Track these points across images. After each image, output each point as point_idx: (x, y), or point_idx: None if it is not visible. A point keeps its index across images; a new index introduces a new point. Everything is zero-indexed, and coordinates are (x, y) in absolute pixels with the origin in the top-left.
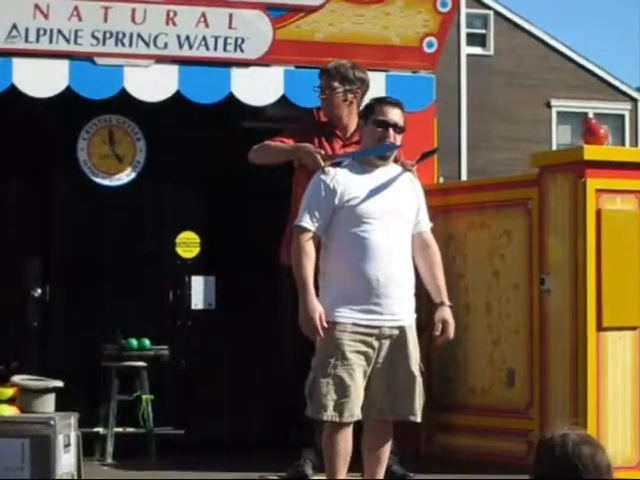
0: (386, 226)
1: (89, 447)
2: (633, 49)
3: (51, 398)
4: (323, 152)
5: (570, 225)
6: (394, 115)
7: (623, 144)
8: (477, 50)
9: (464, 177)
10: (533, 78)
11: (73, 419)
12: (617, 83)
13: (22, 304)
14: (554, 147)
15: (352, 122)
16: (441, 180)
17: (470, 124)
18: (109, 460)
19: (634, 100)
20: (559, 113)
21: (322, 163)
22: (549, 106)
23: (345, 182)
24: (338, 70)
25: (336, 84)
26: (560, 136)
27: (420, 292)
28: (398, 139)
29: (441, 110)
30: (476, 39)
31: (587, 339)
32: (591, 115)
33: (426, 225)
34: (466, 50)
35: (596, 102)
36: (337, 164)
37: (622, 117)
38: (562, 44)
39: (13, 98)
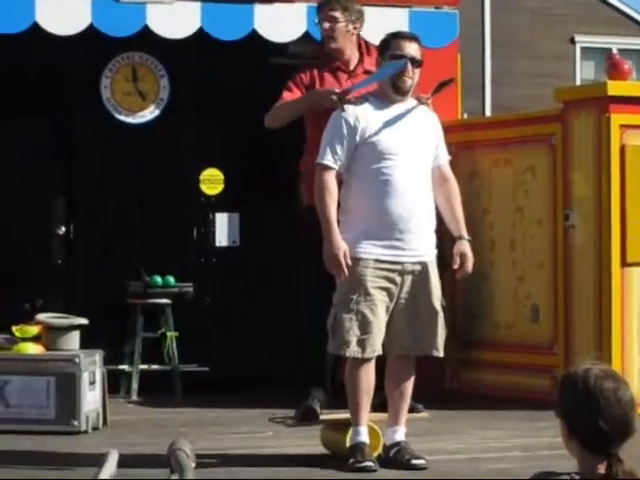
0: (407, 161)
1: (114, 384)
2: None
3: (76, 336)
4: (337, 90)
5: (594, 161)
6: (411, 49)
7: None
8: None
9: (488, 113)
10: (557, 14)
11: (98, 356)
12: None
13: (47, 242)
14: (578, 83)
15: (354, 54)
16: (465, 116)
17: (494, 60)
18: (134, 397)
19: None
20: (583, 49)
21: (339, 101)
22: (573, 42)
23: (365, 119)
24: (338, 1)
25: (337, 14)
26: (584, 71)
27: (443, 227)
28: (416, 73)
29: (464, 46)
30: None
31: (611, 275)
32: (615, 51)
33: (444, 158)
34: None
35: (620, 37)
36: (356, 101)
37: None
38: None
39: (37, 36)
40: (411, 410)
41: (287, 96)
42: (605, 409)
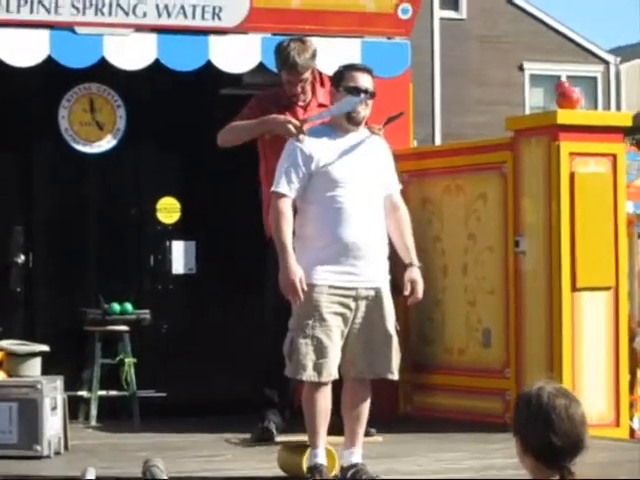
0: (359, 190)
1: (73, 410)
2: (605, 12)
3: (37, 362)
4: (294, 120)
5: (544, 188)
6: (364, 80)
7: (596, 106)
8: (450, 14)
9: (438, 140)
10: (506, 41)
11: (59, 382)
12: (589, 46)
13: (5, 271)
14: (527, 110)
15: (309, 91)
16: (415, 143)
17: (444, 87)
18: (93, 423)
19: (606, 62)
20: (532, 76)
21: (294, 130)
22: (522, 69)
23: (319, 148)
24: (306, 65)
25: (306, 76)
26: (533, 99)
27: (396, 254)
28: (369, 105)
29: (415, 74)
30: (449, 2)
31: (562, 299)
32: (564, 78)
33: (396, 187)
34: (439, 14)
35: (569, 65)
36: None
37: (595, 79)
38: (534, 7)
39: None
40: (364, 434)
41: (242, 117)
42: (558, 425)
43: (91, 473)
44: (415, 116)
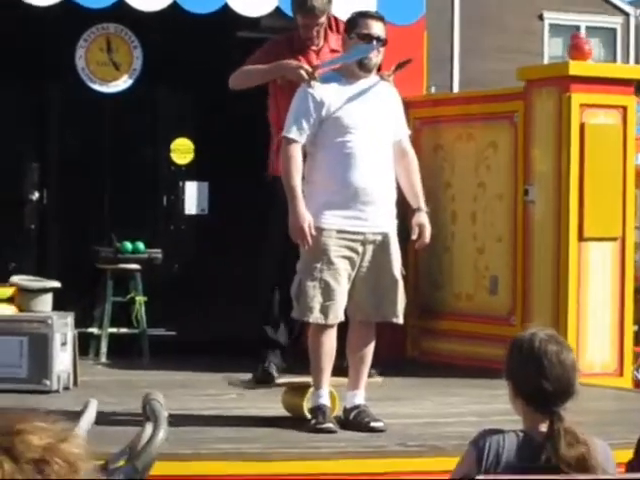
0: (369, 136)
1: (84, 347)
2: None
3: (48, 298)
4: (306, 66)
5: (554, 138)
6: (377, 28)
7: (615, 58)
8: None
9: (456, 87)
10: None
11: (70, 319)
12: None
13: (20, 207)
14: (546, 59)
15: (322, 35)
16: (433, 90)
17: (462, 34)
18: (103, 359)
19: (626, 14)
20: (551, 25)
21: (306, 76)
22: (541, 18)
23: (330, 94)
24: (323, 9)
25: (322, 20)
26: (552, 48)
27: (405, 200)
28: (381, 52)
29: (433, 20)
30: None
31: (569, 249)
32: (583, 28)
33: (404, 133)
34: None
35: (588, 15)
36: (322, 78)
37: (614, 31)
38: None
39: (13, 7)
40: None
41: (255, 61)
42: (548, 370)
43: (93, 406)
44: (433, 62)
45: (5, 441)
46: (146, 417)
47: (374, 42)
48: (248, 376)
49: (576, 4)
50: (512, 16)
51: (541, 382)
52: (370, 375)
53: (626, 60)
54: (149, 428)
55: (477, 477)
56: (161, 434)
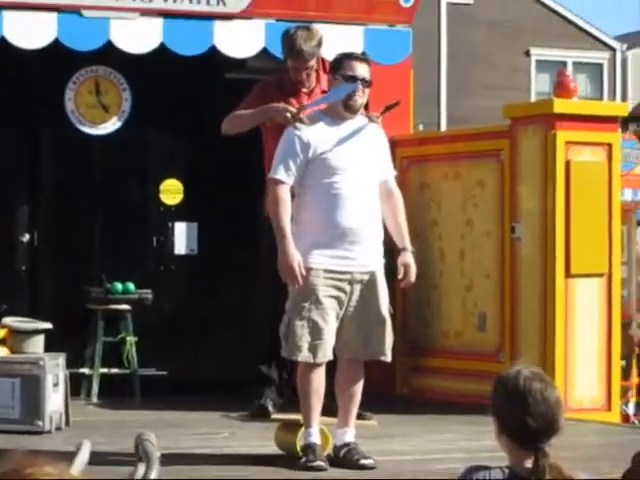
0: (355, 176)
1: (75, 387)
2: None
3: (40, 339)
4: (291, 107)
5: (540, 176)
6: (361, 70)
7: (601, 93)
8: None
9: (443, 124)
10: (513, 27)
11: (61, 359)
12: (596, 32)
13: (11, 249)
14: (533, 95)
15: (313, 78)
16: (420, 127)
17: (450, 71)
18: (94, 400)
19: (612, 49)
20: (538, 62)
21: (292, 117)
22: (528, 54)
23: (316, 135)
24: (312, 52)
25: (312, 63)
26: (539, 84)
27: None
28: (366, 93)
29: (421, 58)
30: None
31: (556, 285)
32: (570, 64)
33: (390, 174)
34: None
35: (575, 51)
36: (308, 119)
37: (600, 66)
38: None
39: (3, 50)
40: (360, 417)
41: (246, 105)
42: (533, 407)
43: (86, 446)
44: (421, 99)
45: None
46: (138, 457)
47: (357, 82)
48: (242, 412)
49: (563, 40)
50: (499, 53)
51: (525, 419)
52: (365, 417)
53: (613, 95)
54: (141, 468)
55: None
56: (153, 474)
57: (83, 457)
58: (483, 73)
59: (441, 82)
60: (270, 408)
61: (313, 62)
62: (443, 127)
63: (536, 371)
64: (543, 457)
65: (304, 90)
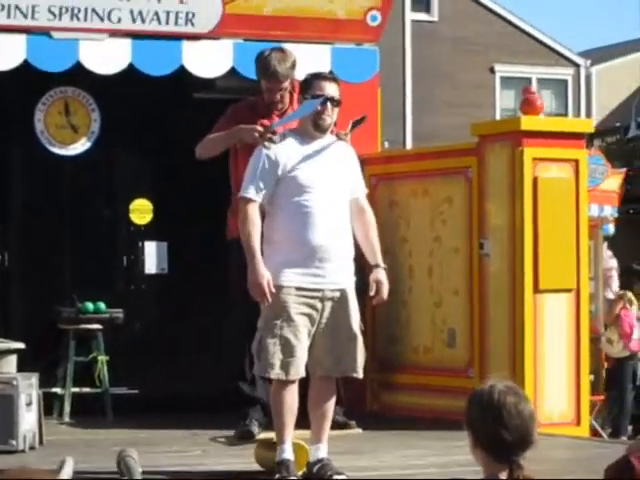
0: (326, 194)
1: (48, 406)
2: (575, 15)
3: (13, 359)
4: (259, 127)
5: (508, 192)
6: (331, 89)
7: (566, 109)
8: (422, 16)
9: (409, 141)
10: (477, 44)
11: (34, 379)
12: (560, 48)
13: None
14: (498, 112)
15: (287, 99)
16: (386, 145)
17: (415, 89)
18: (67, 419)
19: (577, 65)
20: (503, 78)
21: (260, 136)
22: (493, 71)
23: (286, 154)
24: (286, 74)
25: (286, 85)
26: (504, 101)
27: (362, 256)
28: (335, 112)
29: (386, 75)
30: (420, 5)
31: (524, 301)
32: (534, 81)
33: (362, 191)
34: (411, 16)
35: (539, 67)
36: (277, 138)
37: (565, 82)
38: (505, 9)
39: None
40: (344, 426)
41: (219, 129)
42: (507, 420)
43: (69, 463)
44: (386, 117)
45: None
46: (121, 473)
47: (322, 97)
48: (225, 433)
49: (527, 56)
50: (464, 70)
51: (500, 432)
52: (349, 426)
53: (577, 110)
54: None
55: None
56: None
57: (67, 473)
58: (447, 91)
59: (406, 100)
60: (255, 429)
61: (287, 84)
62: (409, 144)
63: (510, 385)
64: (517, 469)
65: (276, 112)
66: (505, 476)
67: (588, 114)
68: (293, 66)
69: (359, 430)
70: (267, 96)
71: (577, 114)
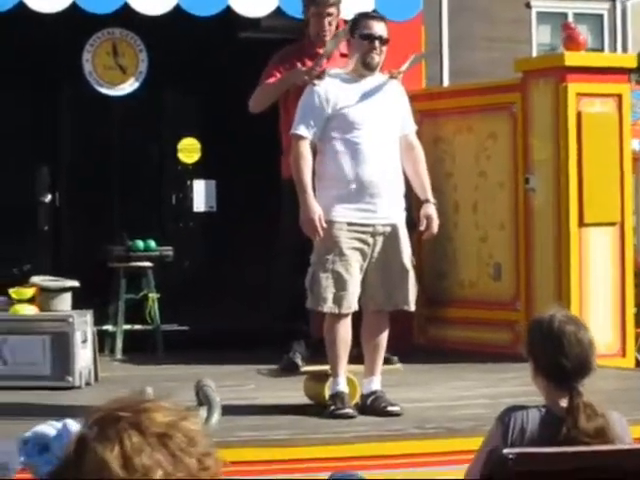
0: (375, 131)
1: (99, 344)
2: None
3: (68, 297)
4: (306, 69)
5: (552, 127)
6: (379, 28)
7: (602, 44)
8: None
9: (446, 77)
10: None
11: (89, 316)
12: None
13: (33, 210)
14: (534, 47)
15: (334, 27)
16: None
17: (451, 25)
18: (119, 356)
19: (612, 0)
20: (539, 13)
21: (309, 76)
22: (529, 6)
23: (336, 91)
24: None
25: (334, 10)
26: (540, 36)
27: (412, 192)
28: (384, 50)
29: (423, 12)
30: None
31: (569, 235)
32: (570, 16)
33: (411, 128)
34: None
35: (575, 2)
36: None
37: (601, 17)
38: None
39: (23, 14)
40: (386, 362)
41: (267, 76)
42: (567, 348)
43: (150, 393)
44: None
45: (133, 417)
46: (199, 402)
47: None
48: (270, 366)
49: None
50: (499, 5)
51: (560, 360)
52: (392, 362)
53: (614, 46)
54: (203, 412)
55: (503, 450)
56: (215, 416)
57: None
58: (484, 26)
59: (443, 36)
60: (299, 362)
61: (334, 9)
62: (445, 81)
63: (569, 315)
64: (577, 396)
65: (325, 38)
66: (565, 403)
67: (624, 49)
68: (336, 3)
69: (400, 366)
70: (315, 24)
71: (613, 49)
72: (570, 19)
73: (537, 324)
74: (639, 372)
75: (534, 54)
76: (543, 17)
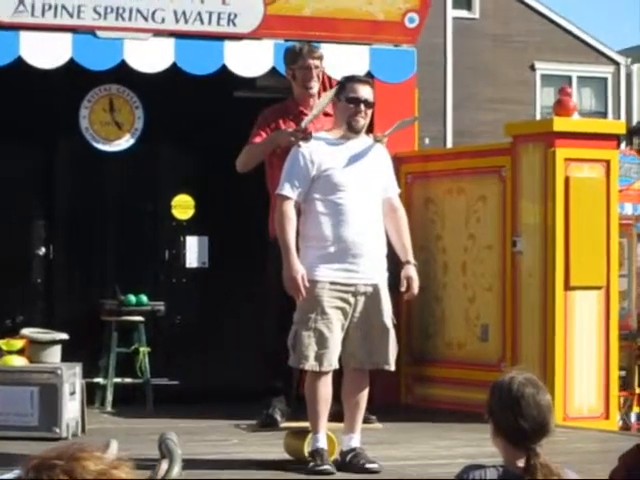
0: (359, 193)
1: (90, 396)
2: (616, 12)
3: (57, 349)
4: (291, 130)
5: (541, 191)
6: (364, 92)
7: (606, 107)
8: (463, 13)
9: (449, 138)
10: (518, 41)
11: (78, 369)
12: (600, 46)
13: (27, 263)
14: (537, 109)
15: (320, 81)
16: (427, 141)
17: (456, 86)
18: (108, 408)
19: (617, 63)
20: (543, 76)
21: (294, 138)
22: (533, 69)
23: (321, 153)
24: (318, 51)
25: (319, 63)
26: (544, 98)
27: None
28: (368, 113)
29: (427, 72)
30: (462, 2)
31: (555, 297)
32: (574, 78)
33: (394, 191)
34: (452, 13)
35: (579, 65)
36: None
37: (605, 80)
38: (546, 7)
39: (21, 69)
40: (365, 421)
41: (253, 137)
42: (525, 411)
43: (114, 444)
44: (427, 114)
45: (67, 465)
46: (162, 454)
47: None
48: (251, 422)
49: (567, 54)
50: (504, 67)
51: (519, 422)
52: (370, 421)
53: (617, 109)
54: (165, 464)
55: None
56: (176, 469)
57: (112, 453)
58: (488, 87)
59: (447, 96)
60: (278, 417)
61: (320, 63)
62: (449, 141)
63: (529, 376)
64: (535, 456)
65: (312, 92)
66: (523, 463)
67: (628, 112)
68: (321, 58)
69: (379, 425)
70: (301, 79)
71: (617, 112)
72: (574, 82)
73: (497, 386)
74: (620, 435)
75: (538, 116)
76: (547, 79)
